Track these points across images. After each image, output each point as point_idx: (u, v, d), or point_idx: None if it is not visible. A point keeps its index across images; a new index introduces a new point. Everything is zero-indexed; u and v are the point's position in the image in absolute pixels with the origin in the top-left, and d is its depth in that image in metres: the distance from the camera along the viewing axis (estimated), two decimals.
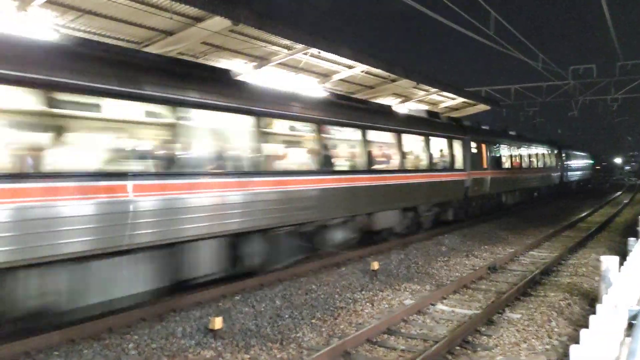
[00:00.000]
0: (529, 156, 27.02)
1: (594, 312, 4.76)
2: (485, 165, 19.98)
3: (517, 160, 24.70)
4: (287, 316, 7.96)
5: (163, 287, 8.06)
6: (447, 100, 24.51)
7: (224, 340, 6.83)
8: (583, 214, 23.86)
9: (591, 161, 54.23)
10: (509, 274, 11.48)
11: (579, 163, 43.21)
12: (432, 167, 15.95)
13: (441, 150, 17.19)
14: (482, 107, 27.40)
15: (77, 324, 6.92)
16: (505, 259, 12.75)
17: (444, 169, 16.97)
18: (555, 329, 7.48)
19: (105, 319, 7.13)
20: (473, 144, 19.23)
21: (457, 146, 18.13)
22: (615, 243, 15.37)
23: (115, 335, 6.83)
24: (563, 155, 36.01)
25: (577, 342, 4.26)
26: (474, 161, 19.02)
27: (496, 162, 21.33)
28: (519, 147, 25.28)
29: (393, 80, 19.12)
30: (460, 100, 24.75)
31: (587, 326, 4.51)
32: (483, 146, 20.02)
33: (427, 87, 20.99)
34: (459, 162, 18.05)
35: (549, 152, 31.99)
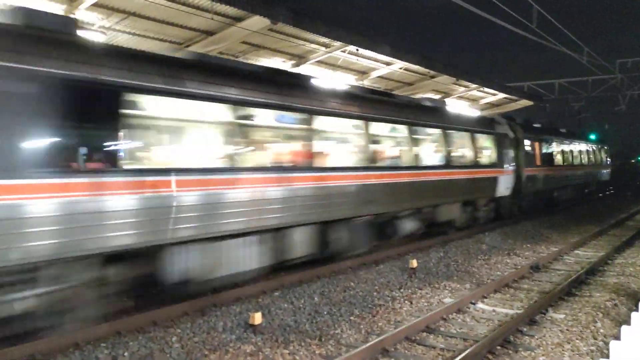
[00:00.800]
0: (395, 144, 13.00)
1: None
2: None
3: (354, 152, 11.39)
4: (325, 313, 8.01)
5: (203, 282, 8.23)
6: (487, 96, 24.12)
7: (263, 336, 6.93)
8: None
9: (604, 156, 33.03)
10: (553, 273, 11.22)
11: (572, 158, 26.16)
12: None
13: None
14: (524, 102, 26.84)
15: (123, 316, 7.16)
16: (549, 257, 12.46)
17: None
18: (601, 330, 7.29)
19: (149, 312, 7.34)
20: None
21: None
22: None
23: (160, 328, 7.02)
24: (527, 144, 19.97)
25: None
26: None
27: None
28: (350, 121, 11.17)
29: (432, 77, 18.95)
30: (501, 96, 24.32)
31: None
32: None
33: (467, 83, 20.73)
34: None
35: (472, 136, 15.61)
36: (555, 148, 23.93)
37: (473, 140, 15.57)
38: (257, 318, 7.09)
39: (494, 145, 16.90)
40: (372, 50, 14.70)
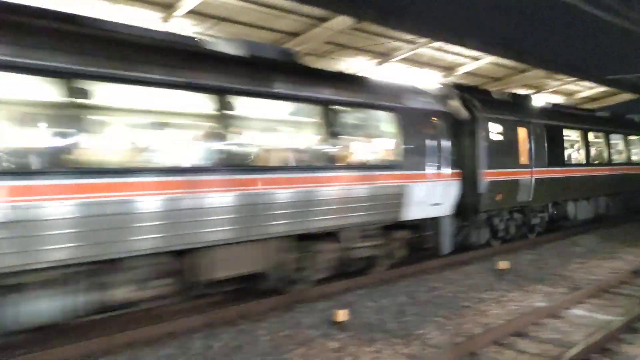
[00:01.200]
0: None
1: None
2: None
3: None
4: (411, 312, 7.95)
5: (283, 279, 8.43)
6: (584, 90, 22.84)
7: (348, 333, 6.99)
8: None
9: None
10: None
11: (607, 155, 17.33)
12: None
13: None
14: (626, 96, 25.14)
15: (214, 309, 7.50)
16: None
17: None
18: None
19: (239, 306, 7.65)
20: None
21: None
22: None
23: (248, 321, 7.29)
24: (494, 132, 12.19)
25: None
26: None
27: None
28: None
29: (522, 71, 18.23)
30: (600, 89, 22.97)
31: None
32: None
33: (561, 76, 19.74)
34: None
35: (325, 112, 8.35)
36: (567, 138, 15.61)
37: (328, 121, 8.45)
38: (342, 315, 7.16)
39: (399, 130, 9.60)
40: (459, 44, 14.38)
